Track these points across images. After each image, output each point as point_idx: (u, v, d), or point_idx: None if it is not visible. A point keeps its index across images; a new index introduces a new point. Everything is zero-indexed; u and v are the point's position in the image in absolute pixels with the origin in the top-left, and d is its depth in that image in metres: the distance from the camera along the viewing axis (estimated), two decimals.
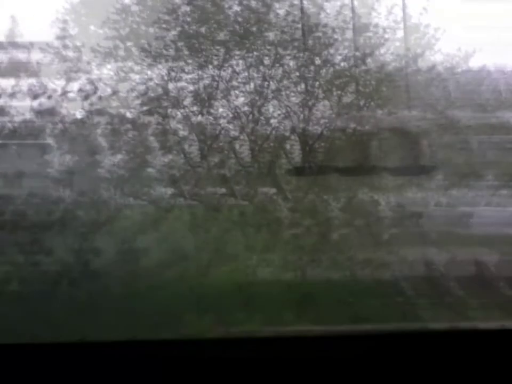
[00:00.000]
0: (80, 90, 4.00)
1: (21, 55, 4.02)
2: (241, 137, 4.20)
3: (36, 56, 4.03)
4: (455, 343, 2.51)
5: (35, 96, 3.98)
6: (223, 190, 4.21)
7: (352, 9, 4.29)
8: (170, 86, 4.13)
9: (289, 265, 3.82)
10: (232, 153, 4.17)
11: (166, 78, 4.12)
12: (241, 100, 4.19)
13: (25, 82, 3.95)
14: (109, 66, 4.27)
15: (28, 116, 3.99)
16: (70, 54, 4.06)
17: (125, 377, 2.47)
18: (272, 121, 4.17)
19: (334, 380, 2.47)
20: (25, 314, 3.29)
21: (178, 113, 4.20)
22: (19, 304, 3.37)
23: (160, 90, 4.12)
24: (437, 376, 2.45)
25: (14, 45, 4.01)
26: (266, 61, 4.18)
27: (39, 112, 3.99)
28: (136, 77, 4.22)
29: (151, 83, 4.11)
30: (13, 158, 3.94)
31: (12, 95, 3.95)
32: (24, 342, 2.63)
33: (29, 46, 3.99)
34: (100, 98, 4.05)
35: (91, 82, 4.01)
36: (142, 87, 4.11)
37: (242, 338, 2.78)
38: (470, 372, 2.44)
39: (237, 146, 4.20)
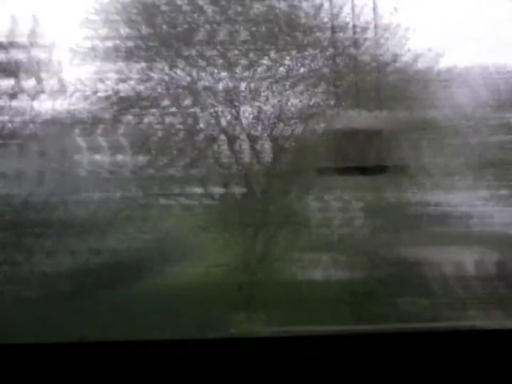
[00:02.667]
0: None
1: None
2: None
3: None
4: (455, 343, 2.51)
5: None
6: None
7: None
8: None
9: None
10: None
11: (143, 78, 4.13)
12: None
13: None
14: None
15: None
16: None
17: (125, 377, 2.47)
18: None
19: (334, 380, 2.47)
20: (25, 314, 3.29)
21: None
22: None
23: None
24: (437, 376, 2.45)
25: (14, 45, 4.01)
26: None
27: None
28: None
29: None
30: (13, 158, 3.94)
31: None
32: (24, 342, 2.63)
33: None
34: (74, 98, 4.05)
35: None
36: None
37: (242, 338, 2.78)
38: (470, 372, 2.44)
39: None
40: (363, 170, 3.72)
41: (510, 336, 2.58)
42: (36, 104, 4.02)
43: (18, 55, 3.93)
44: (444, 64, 4.31)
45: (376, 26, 4.28)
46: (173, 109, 4.06)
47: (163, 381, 2.49)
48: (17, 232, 3.81)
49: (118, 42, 4.14)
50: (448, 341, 2.52)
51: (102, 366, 2.48)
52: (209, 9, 4.19)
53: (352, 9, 4.31)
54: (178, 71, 4.10)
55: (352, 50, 4.17)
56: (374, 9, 4.29)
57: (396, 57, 4.29)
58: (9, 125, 3.97)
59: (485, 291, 3.68)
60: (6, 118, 3.93)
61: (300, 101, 4.13)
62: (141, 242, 3.86)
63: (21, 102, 3.98)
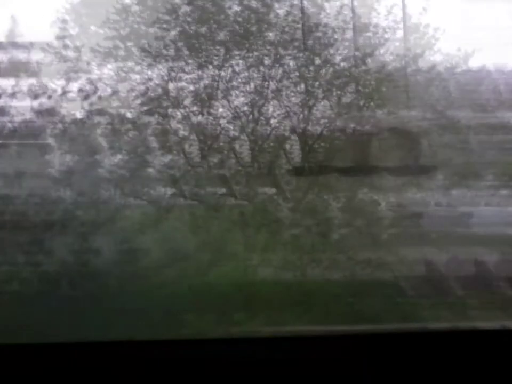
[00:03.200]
0: (80, 90, 4.02)
1: (21, 55, 4.03)
2: (241, 137, 4.21)
3: (36, 56, 4.04)
4: (455, 343, 2.51)
5: (35, 96, 3.99)
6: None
7: (352, 9, 4.29)
8: (170, 86, 4.14)
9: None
10: (232, 153, 4.18)
11: (166, 78, 4.13)
12: (242, 99, 4.20)
13: (26, 83, 3.97)
14: (109, 66, 4.29)
15: (28, 116, 4.01)
16: (70, 54, 4.07)
17: (125, 377, 2.47)
18: (272, 121, 4.18)
19: (334, 380, 2.47)
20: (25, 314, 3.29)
21: (178, 113, 4.21)
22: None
23: (160, 90, 4.13)
24: (437, 376, 2.45)
25: (14, 45, 4.02)
26: (267, 61, 4.19)
27: (40, 112, 4.00)
28: (136, 77, 4.23)
29: (151, 83, 4.12)
30: (13, 158, 3.95)
31: (12, 95, 3.96)
32: (24, 342, 2.63)
33: (29, 46, 4.00)
34: (100, 98, 4.06)
35: (91, 82, 4.02)
36: (142, 87, 4.12)
37: (242, 338, 2.78)
38: (470, 372, 2.44)
39: (237, 146, 4.21)
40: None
41: (510, 336, 2.59)
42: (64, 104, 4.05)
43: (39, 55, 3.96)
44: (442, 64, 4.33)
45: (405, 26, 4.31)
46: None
47: (163, 381, 2.49)
48: None
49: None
50: (448, 341, 2.52)
51: (102, 366, 2.48)
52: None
53: (352, 10, 4.32)
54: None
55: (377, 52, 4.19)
56: (403, 9, 4.31)
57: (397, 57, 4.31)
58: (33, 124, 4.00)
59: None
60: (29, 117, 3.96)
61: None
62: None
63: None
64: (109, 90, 4.14)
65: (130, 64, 4.27)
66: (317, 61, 4.23)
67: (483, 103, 4.18)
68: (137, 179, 4.20)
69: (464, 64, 4.36)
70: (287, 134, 4.14)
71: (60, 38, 4.05)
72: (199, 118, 4.15)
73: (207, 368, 2.45)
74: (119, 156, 4.18)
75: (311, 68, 4.20)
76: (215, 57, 4.16)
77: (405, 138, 3.84)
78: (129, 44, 4.47)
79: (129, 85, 4.13)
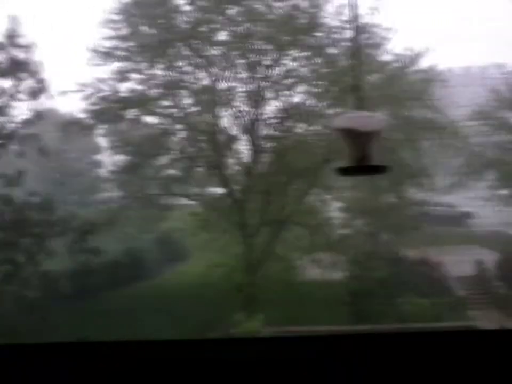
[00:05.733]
0: None
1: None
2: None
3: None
4: (455, 343, 2.51)
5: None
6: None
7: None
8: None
9: None
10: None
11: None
12: None
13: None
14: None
15: None
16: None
17: (125, 377, 2.47)
18: None
19: (334, 379, 2.47)
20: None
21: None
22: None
23: None
24: (437, 376, 2.45)
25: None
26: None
27: None
28: None
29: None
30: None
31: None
32: (24, 342, 2.63)
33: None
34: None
35: None
36: None
37: (242, 338, 2.78)
38: (470, 372, 2.44)
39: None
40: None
41: (510, 336, 2.59)
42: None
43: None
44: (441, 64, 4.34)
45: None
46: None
47: (163, 381, 2.49)
48: None
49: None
50: (448, 341, 2.53)
51: (102, 366, 2.48)
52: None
53: (352, 10, 4.32)
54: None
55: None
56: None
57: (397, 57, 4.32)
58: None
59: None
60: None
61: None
62: None
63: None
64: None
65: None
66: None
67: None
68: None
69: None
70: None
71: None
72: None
73: (207, 368, 2.46)
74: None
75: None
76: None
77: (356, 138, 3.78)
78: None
79: None
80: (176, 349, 2.55)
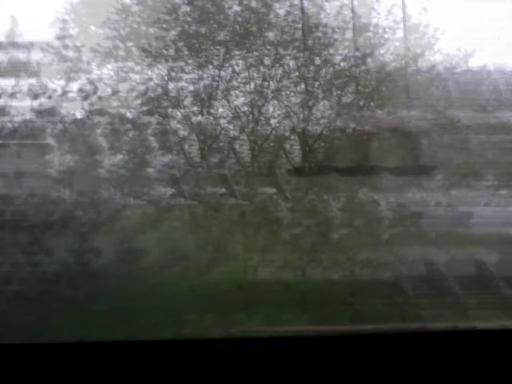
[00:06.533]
0: (80, 90, 4.02)
1: (21, 55, 4.03)
2: (241, 137, 4.20)
3: (36, 56, 4.04)
4: (455, 343, 2.51)
5: (35, 96, 3.99)
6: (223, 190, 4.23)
7: (352, 9, 4.30)
8: (170, 86, 4.14)
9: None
10: (232, 153, 4.18)
11: (166, 78, 4.13)
12: (241, 99, 4.19)
13: (25, 82, 3.97)
14: (109, 66, 4.28)
15: (28, 116, 4.01)
16: (70, 54, 4.07)
17: (125, 377, 2.47)
18: (272, 121, 4.18)
19: (334, 379, 2.47)
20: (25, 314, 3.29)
21: (178, 113, 4.20)
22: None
23: (160, 90, 4.13)
24: (437, 376, 2.45)
25: (14, 44, 4.02)
26: (266, 61, 4.19)
27: (39, 112, 4.00)
28: (136, 77, 4.22)
29: (151, 83, 4.12)
30: (13, 158, 3.95)
31: (12, 95, 3.97)
32: (24, 342, 2.63)
33: (29, 46, 4.00)
34: (100, 98, 4.06)
35: (91, 82, 4.02)
36: (142, 87, 4.12)
37: (242, 338, 2.78)
38: (470, 372, 2.44)
39: (237, 146, 4.21)
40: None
41: (510, 336, 2.59)
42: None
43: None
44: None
45: (405, 27, 4.31)
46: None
47: (163, 381, 2.49)
48: None
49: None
50: (448, 341, 2.53)
51: (102, 366, 2.48)
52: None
53: (352, 10, 4.32)
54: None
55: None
56: (403, 9, 4.33)
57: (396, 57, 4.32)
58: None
59: None
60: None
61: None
62: None
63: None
64: (109, 90, 4.14)
65: (130, 64, 4.27)
66: (317, 61, 4.24)
67: (483, 103, 4.19)
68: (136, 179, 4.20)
69: (464, 64, 4.37)
70: (287, 134, 4.14)
71: (59, 38, 4.05)
72: (199, 118, 4.15)
73: (207, 368, 2.45)
74: (119, 156, 4.19)
75: (311, 68, 4.20)
76: (215, 57, 4.17)
77: (405, 138, 3.83)
78: (129, 43, 4.47)
79: (129, 85, 4.13)
80: (176, 348, 2.55)
